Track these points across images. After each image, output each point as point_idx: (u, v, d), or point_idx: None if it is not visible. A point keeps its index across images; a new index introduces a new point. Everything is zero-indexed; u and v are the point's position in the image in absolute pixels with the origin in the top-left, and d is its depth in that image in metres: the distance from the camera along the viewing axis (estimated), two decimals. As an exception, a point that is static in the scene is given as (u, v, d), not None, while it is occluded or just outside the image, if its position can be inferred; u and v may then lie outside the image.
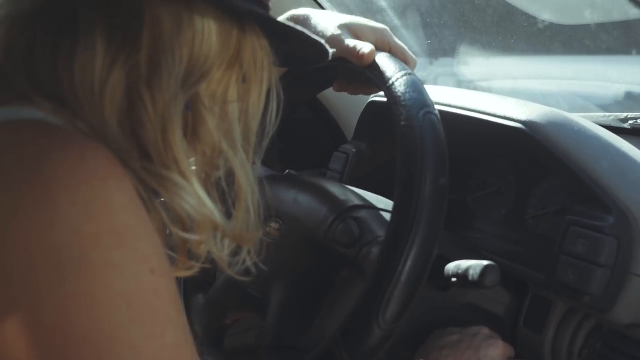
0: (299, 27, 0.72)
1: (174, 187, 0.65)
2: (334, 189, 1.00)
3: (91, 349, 0.51)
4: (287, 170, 1.18)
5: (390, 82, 0.89)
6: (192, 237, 0.68)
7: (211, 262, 0.74)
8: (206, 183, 0.74)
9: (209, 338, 1.06)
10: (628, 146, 1.04)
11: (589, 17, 1.53)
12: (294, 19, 1.04)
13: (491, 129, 1.04)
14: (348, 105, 1.44)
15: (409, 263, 0.78)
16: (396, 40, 1.00)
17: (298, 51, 0.79)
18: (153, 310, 0.55)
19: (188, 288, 1.11)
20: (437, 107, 1.09)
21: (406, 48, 1.01)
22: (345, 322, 0.80)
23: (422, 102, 0.86)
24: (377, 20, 1.03)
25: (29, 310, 0.51)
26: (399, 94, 0.86)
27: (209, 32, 0.65)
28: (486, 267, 0.89)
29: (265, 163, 1.59)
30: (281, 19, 1.05)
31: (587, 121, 1.04)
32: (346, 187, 1.03)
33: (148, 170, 0.63)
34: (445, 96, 1.13)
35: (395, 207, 0.82)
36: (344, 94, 1.14)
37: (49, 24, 0.63)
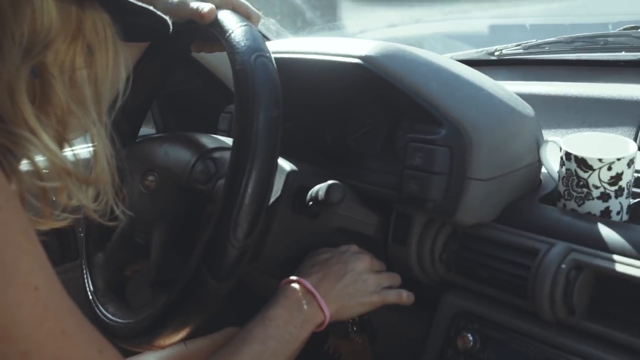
0: (137, 2, 0.82)
1: (25, 142, 0.74)
2: (199, 137, 1.11)
3: None
4: (171, 132, 1.28)
5: (228, 33, 0.98)
6: (48, 184, 0.78)
7: (78, 210, 0.84)
8: (60, 139, 0.83)
9: (112, 291, 1.16)
10: (461, 68, 1.16)
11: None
12: None
13: (336, 67, 1.15)
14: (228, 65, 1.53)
15: (250, 185, 0.88)
16: None
17: (142, 23, 0.89)
18: (4, 239, 0.65)
19: (89, 248, 1.20)
20: (287, 55, 1.20)
21: (249, 5, 1.10)
22: (204, 246, 0.90)
23: (254, 47, 0.96)
24: None
25: None
26: (234, 42, 0.96)
27: (47, 9, 0.75)
28: (330, 185, 1.00)
29: (164, 131, 1.69)
30: None
31: (420, 50, 1.15)
32: (211, 136, 1.13)
33: (1, 130, 0.73)
34: (296, 45, 1.23)
35: (234, 139, 0.92)
36: (219, 56, 1.23)
37: None
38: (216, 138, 1.11)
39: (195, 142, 1.08)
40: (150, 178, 1.09)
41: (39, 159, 0.77)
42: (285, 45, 1.25)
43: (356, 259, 1.10)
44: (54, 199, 0.82)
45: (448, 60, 1.17)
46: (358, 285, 1.08)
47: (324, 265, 1.08)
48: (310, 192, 1.05)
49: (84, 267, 1.20)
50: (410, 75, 1.08)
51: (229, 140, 1.11)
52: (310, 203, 1.04)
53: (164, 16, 0.88)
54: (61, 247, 1.56)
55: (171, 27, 0.90)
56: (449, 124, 1.05)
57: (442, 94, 1.07)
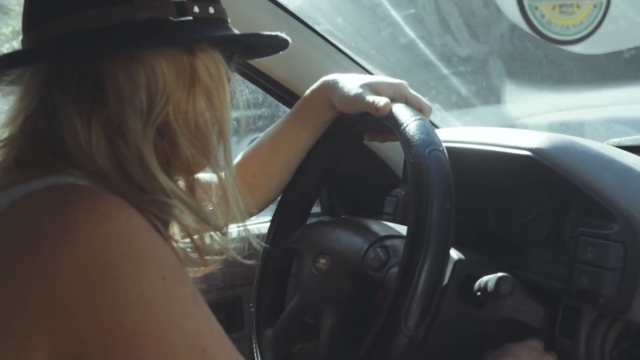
0: (238, 32, 0.88)
1: (166, 207, 0.81)
2: (371, 224, 1.15)
3: (122, 345, 0.67)
4: (343, 216, 1.34)
5: (402, 127, 1.04)
6: (195, 236, 0.86)
7: (221, 253, 0.91)
8: (191, 188, 0.90)
9: (279, 366, 1.21)
10: (633, 160, 1.14)
11: (619, 44, 1.61)
12: (325, 83, 1.21)
13: (506, 159, 1.16)
14: (396, 151, 1.57)
15: (423, 275, 0.92)
16: (411, 91, 1.15)
17: (257, 42, 0.96)
18: (168, 307, 0.70)
19: (259, 323, 1.26)
20: (459, 145, 1.23)
21: (421, 98, 1.16)
22: (375, 332, 0.94)
23: (428, 141, 1.00)
24: (427, 71, 1.19)
25: (71, 324, 0.66)
26: (409, 136, 1.01)
27: (160, 69, 0.82)
28: (500, 277, 1.01)
29: (330, 213, 1.75)
30: (314, 85, 1.23)
31: (591, 141, 1.15)
32: (382, 223, 1.18)
33: (145, 201, 0.80)
34: (466, 135, 1.26)
35: (408, 230, 0.96)
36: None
37: (39, 116, 0.82)
38: (386, 225, 1.15)
39: (367, 228, 1.13)
40: (323, 261, 1.14)
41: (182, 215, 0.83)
42: (455, 134, 1.29)
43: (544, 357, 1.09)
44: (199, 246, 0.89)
45: (620, 152, 1.16)
46: None
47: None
48: (478, 282, 1.06)
49: (253, 341, 1.26)
50: (582, 168, 1.08)
51: (398, 228, 1.14)
52: (479, 293, 1.05)
53: (273, 33, 0.93)
54: (228, 318, 1.64)
55: (290, 42, 0.96)
56: (623, 218, 1.03)
57: (616, 187, 1.06)
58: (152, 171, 0.80)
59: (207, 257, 0.90)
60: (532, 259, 1.23)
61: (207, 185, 0.95)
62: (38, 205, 0.73)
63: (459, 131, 1.35)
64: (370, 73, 1.55)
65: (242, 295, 1.62)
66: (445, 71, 1.86)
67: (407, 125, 1.03)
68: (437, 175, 0.96)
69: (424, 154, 0.98)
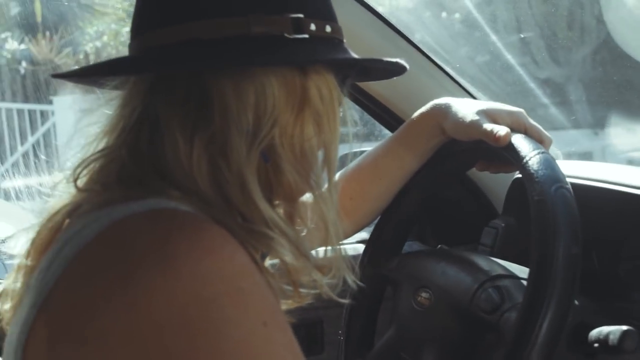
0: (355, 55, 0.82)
1: (265, 239, 0.74)
2: (479, 260, 1.08)
3: None
4: (439, 245, 1.27)
5: (524, 160, 0.97)
6: (293, 273, 0.79)
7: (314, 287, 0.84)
8: (291, 217, 0.85)
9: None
10: None
11: None
12: (436, 107, 1.15)
13: (629, 200, 1.09)
14: (497, 181, 1.50)
15: (544, 326, 0.85)
16: (531, 121, 1.08)
17: (372, 66, 0.90)
18: (268, 355, 0.64)
19: (348, 354, 1.21)
20: (575, 180, 1.16)
21: (541, 128, 1.08)
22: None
23: (554, 177, 0.93)
24: (525, 101, 1.13)
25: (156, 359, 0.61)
26: (532, 171, 0.94)
27: (270, 89, 0.75)
28: (625, 331, 0.93)
29: (420, 239, 1.69)
30: (424, 108, 1.17)
31: None
32: (490, 259, 1.11)
33: (244, 229, 0.73)
34: (584, 170, 1.18)
35: (530, 275, 0.89)
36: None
37: (141, 128, 0.77)
38: (495, 262, 1.08)
39: (477, 265, 1.06)
40: (425, 295, 1.08)
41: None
42: (571, 169, 1.21)
43: None
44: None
45: None
46: None
47: None
48: (597, 332, 0.98)
49: (341, 371, 1.20)
50: None
51: (508, 265, 1.07)
52: (596, 345, 0.97)
53: (394, 60, 0.86)
54: (308, 340, 1.59)
55: (407, 69, 0.89)
56: None
57: None
58: (253, 197, 0.74)
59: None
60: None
61: (304, 208, 0.89)
62: (138, 231, 0.68)
63: (572, 165, 1.27)
64: (475, 98, 1.49)
65: (324, 317, 1.57)
66: (545, 100, 1.79)
67: (529, 159, 0.96)
68: (564, 216, 0.89)
69: (549, 191, 0.91)
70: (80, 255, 0.67)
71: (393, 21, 1.39)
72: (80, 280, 0.67)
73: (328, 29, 0.79)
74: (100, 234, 0.68)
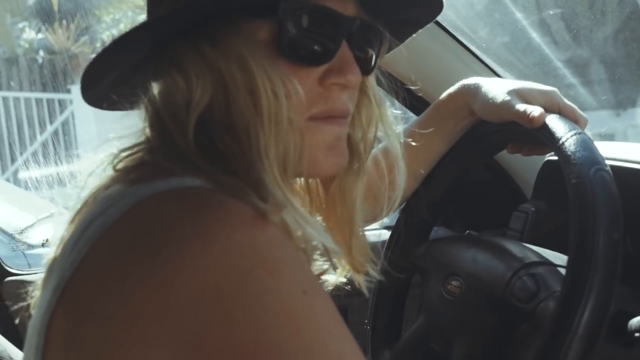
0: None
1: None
2: (511, 246, 1.04)
3: None
4: (467, 231, 1.23)
5: (560, 142, 0.92)
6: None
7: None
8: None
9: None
10: None
11: None
12: (465, 87, 1.11)
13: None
14: (525, 164, 1.46)
15: (585, 316, 0.81)
16: (565, 101, 1.04)
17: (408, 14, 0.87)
18: (311, 324, 0.61)
19: (375, 343, 1.17)
20: (613, 162, 1.11)
21: (576, 108, 1.04)
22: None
23: (592, 159, 0.89)
24: (554, 80, 1.08)
25: (198, 337, 0.59)
26: (569, 152, 0.90)
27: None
28: (669, 320, 0.89)
29: (446, 224, 1.65)
30: (451, 89, 1.13)
31: None
32: (523, 245, 1.06)
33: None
34: (623, 151, 1.14)
35: (569, 262, 0.85)
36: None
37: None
38: (529, 249, 1.04)
39: (509, 252, 1.02)
40: (455, 283, 1.04)
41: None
42: (605, 149, 1.16)
43: None
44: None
45: None
46: None
47: None
48: (637, 321, 0.94)
49: (369, 362, 1.17)
50: None
51: (543, 252, 1.03)
52: (637, 334, 0.93)
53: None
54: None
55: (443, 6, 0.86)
56: None
57: None
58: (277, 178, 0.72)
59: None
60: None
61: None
62: (165, 209, 0.65)
63: (606, 146, 1.22)
64: (502, 78, 1.44)
65: (348, 306, 1.53)
66: (570, 80, 1.73)
67: (566, 140, 0.92)
68: (604, 200, 0.85)
69: (588, 174, 0.87)
70: (106, 235, 0.65)
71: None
72: (107, 259, 0.65)
73: None
74: (126, 212, 0.66)
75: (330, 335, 0.63)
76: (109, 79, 0.76)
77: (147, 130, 0.76)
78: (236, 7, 0.73)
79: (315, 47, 0.74)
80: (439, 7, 0.86)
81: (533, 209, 1.29)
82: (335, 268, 0.83)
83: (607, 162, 1.12)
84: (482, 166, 1.52)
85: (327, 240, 0.74)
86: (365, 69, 0.81)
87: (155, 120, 0.75)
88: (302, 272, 0.65)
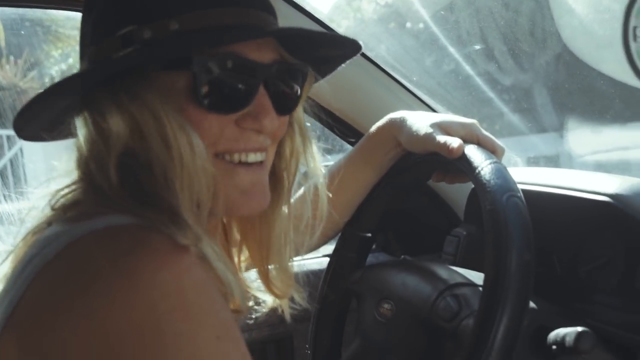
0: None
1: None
2: (438, 269, 1.10)
3: None
4: (403, 256, 1.29)
5: (477, 171, 0.99)
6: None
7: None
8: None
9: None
10: None
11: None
12: (391, 120, 1.17)
13: (583, 204, 1.11)
14: (458, 190, 1.53)
15: (500, 331, 0.87)
16: (484, 132, 1.11)
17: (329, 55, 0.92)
18: None
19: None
20: (530, 187, 1.18)
21: (494, 138, 1.11)
22: (448, 388, 0.89)
23: (505, 187, 0.95)
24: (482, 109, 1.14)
25: None
26: (484, 181, 0.97)
27: None
28: (580, 333, 0.96)
29: (385, 249, 1.71)
30: (380, 122, 1.20)
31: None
32: (450, 268, 1.13)
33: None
34: (539, 177, 1.21)
35: (485, 282, 0.91)
36: None
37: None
38: (454, 271, 1.10)
39: (435, 274, 1.08)
40: (387, 306, 1.10)
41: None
42: (524, 175, 1.24)
43: None
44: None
45: None
46: None
47: None
48: (554, 334, 1.00)
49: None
50: (665, 217, 1.02)
51: (465, 273, 1.09)
52: (554, 347, 1.00)
53: (354, 39, 0.89)
54: (278, 355, 1.60)
55: (362, 47, 0.91)
56: None
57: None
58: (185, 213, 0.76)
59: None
60: (602, 307, 1.17)
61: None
62: (97, 247, 0.69)
63: (528, 172, 1.30)
64: (434, 110, 1.51)
65: (294, 332, 1.58)
66: (503, 108, 1.82)
67: (481, 169, 0.99)
68: (516, 224, 0.91)
69: (501, 200, 0.93)
70: (42, 273, 0.69)
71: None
72: (42, 296, 0.68)
73: (174, 25, 0.78)
74: (61, 251, 0.70)
75: None
76: (41, 120, 0.81)
77: (76, 172, 0.80)
78: (152, 61, 0.78)
79: (231, 96, 0.78)
80: (356, 48, 0.91)
81: (465, 232, 1.35)
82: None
83: (532, 187, 1.20)
84: (420, 193, 1.58)
85: (231, 277, 0.77)
86: (288, 106, 0.86)
87: (82, 162, 0.79)
88: (219, 317, 0.68)
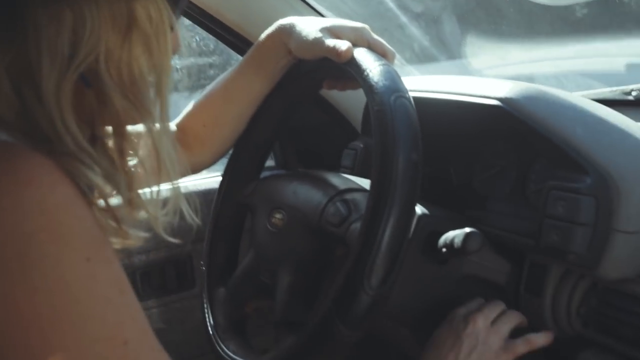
0: None
1: (75, 163, 0.70)
2: (330, 177, 1.08)
3: (36, 332, 0.60)
4: (299, 169, 1.27)
5: (365, 72, 0.96)
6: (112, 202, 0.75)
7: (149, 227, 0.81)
8: (121, 148, 0.80)
9: (232, 327, 1.15)
10: (606, 112, 1.09)
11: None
12: (280, 27, 1.13)
13: (474, 109, 1.11)
14: (354, 102, 1.51)
15: (387, 231, 0.85)
16: (374, 36, 1.08)
17: None
18: (91, 293, 0.63)
19: (210, 282, 1.19)
20: (423, 94, 1.17)
21: (384, 42, 1.08)
22: (336, 291, 0.87)
23: (393, 87, 0.93)
24: (385, 23, 1.11)
25: None
26: (373, 82, 0.94)
27: (90, 11, 0.71)
28: (468, 233, 0.96)
29: (284, 167, 1.68)
30: (269, 29, 1.15)
31: (562, 92, 1.09)
32: (342, 176, 1.11)
33: (65, 157, 0.69)
34: (428, 84, 1.20)
35: (372, 182, 0.89)
36: (347, 91, 1.22)
37: None
38: (346, 178, 1.09)
39: (326, 182, 1.06)
40: (278, 216, 1.08)
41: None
42: (417, 83, 1.22)
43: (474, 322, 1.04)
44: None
45: (591, 103, 1.11)
46: (479, 349, 1.02)
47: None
48: (444, 237, 1.00)
49: (204, 301, 1.19)
50: (554, 119, 1.03)
51: (359, 180, 1.08)
52: (444, 250, 1.00)
53: None
54: (178, 276, 1.57)
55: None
56: (595, 172, 0.98)
57: (588, 139, 1.01)
58: (62, 124, 0.70)
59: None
60: (495, 214, 1.19)
61: (137, 137, 0.84)
62: None
63: (421, 80, 1.28)
64: (324, 16, 1.47)
65: (193, 252, 1.55)
66: (404, 20, 1.79)
67: (370, 71, 0.96)
68: (403, 124, 0.89)
69: (389, 101, 0.91)
70: None
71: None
72: None
73: None
74: None
75: (110, 305, 0.64)
76: None
77: None
78: None
79: None
80: None
81: (362, 145, 1.33)
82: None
83: (424, 94, 1.19)
84: (317, 109, 1.56)
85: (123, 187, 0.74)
86: None
87: None
88: (88, 237, 0.64)
